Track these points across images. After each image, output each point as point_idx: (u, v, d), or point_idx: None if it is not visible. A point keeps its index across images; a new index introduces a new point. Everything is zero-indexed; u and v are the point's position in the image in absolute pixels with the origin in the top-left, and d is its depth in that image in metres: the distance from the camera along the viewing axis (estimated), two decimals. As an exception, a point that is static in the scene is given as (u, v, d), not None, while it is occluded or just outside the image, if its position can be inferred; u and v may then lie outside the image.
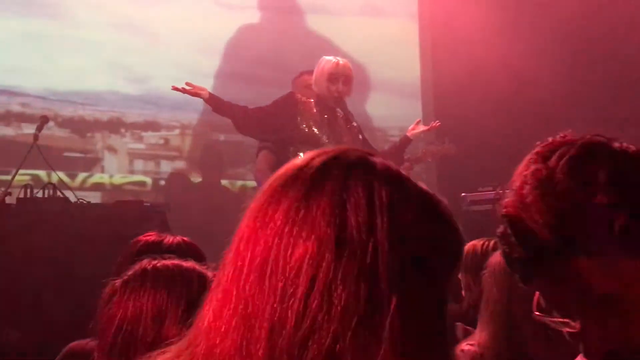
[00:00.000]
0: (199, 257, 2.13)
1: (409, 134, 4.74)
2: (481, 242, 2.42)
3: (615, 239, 1.07)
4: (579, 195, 1.09)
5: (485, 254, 2.21)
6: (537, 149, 1.19)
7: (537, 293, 1.15)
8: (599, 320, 1.09)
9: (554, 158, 1.14)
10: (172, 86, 4.52)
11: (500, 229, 1.17)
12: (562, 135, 1.20)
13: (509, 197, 1.16)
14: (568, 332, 1.11)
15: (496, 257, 1.95)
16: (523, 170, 1.16)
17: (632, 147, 1.15)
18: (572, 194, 1.09)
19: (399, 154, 4.63)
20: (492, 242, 2.30)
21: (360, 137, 4.47)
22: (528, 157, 1.18)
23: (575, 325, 1.10)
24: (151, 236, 2.38)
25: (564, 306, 1.11)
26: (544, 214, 1.10)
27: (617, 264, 1.07)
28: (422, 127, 4.76)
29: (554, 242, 1.09)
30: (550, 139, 1.20)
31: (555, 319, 1.12)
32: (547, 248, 1.10)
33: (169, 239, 2.34)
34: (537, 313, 1.15)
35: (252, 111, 4.53)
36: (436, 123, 4.82)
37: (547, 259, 1.11)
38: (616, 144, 1.15)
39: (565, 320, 1.11)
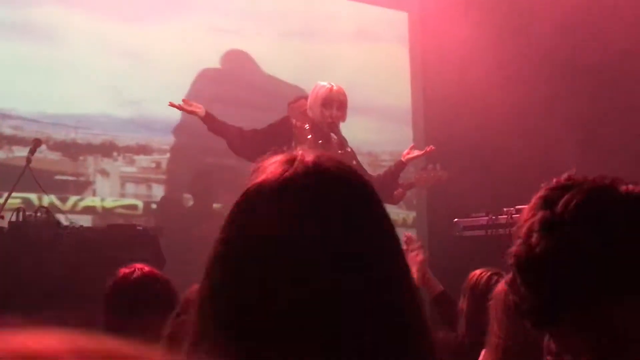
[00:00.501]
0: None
1: (403, 159, 4.77)
2: (487, 274, 2.39)
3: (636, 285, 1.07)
4: (593, 245, 1.08)
5: (488, 285, 2.21)
6: (542, 192, 1.18)
7: (547, 338, 1.15)
8: None
9: (560, 204, 1.13)
10: (169, 102, 4.54)
11: (508, 278, 1.16)
12: (566, 176, 1.19)
13: (515, 246, 1.14)
14: None
15: (501, 287, 1.97)
16: (528, 216, 1.15)
17: (638, 189, 1.14)
18: (585, 243, 1.08)
19: (394, 179, 4.64)
20: (491, 274, 2.30)
21: (354, 162, 4.49)
22: (533, 201, 1.17)
23: None
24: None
25: (579, 350, 1.10)
26: (557, 264, 1.09)
27: None
28: (416, 152, 4.79)
29: (572, 292, 1.08)
30: (554, 181, 1.19)
31: None
32: (563, 298, 1.09)
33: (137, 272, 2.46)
34: (548, 358, 1.15)
35: (247, 133, 4.55)
36: (430, 148, 4.84)
37: (564, 307, 1.10)
38: (622, 187, 1.14)
39: None
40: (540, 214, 1.13)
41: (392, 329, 0.91)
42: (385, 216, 0.99)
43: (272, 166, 0.99)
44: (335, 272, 0.91)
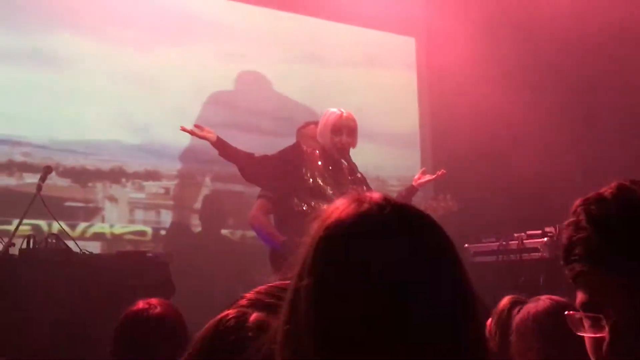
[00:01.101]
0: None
1: (415, 184, 4.78)
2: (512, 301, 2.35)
3: None
4: None
5: (510, 314, 2.18)
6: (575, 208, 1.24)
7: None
8: None
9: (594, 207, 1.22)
10: (181, 127, 4.56)
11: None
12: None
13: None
14: None
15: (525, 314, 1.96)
16: (571, 234, 1.22)
17: None
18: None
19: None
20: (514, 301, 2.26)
21: (365, 188, 4.49)
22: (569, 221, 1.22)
23: None
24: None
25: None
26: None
27: None
28: (427, 177, 4.80)
29: None
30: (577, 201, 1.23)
31: None
32: None
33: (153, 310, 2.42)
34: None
35: (258, 159, 4.56)
36: (442, 172, 4.85)
37: None
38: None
39: None
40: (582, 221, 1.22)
41: None
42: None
43: (342, 205, 1.02)
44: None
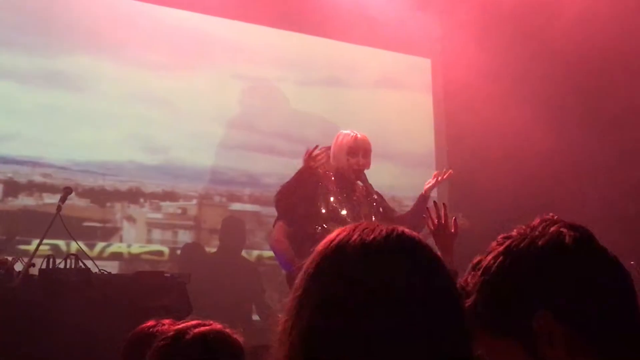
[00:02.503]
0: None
1: (424, 192, 4.75)
2: None
3: None
4: None
5: None
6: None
7: None
8: None
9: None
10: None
11: None
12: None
13: None
14: None
15: None
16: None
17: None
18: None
19: (419, 214, 4.62)
20: None
21: (381, 209, 4.51)
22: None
23: None
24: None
25: None
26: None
27: None
28: (434, 180, 4.75)
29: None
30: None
31: None
32: None
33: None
34: None
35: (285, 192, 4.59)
36: (449, 172, 4.78)
37: None
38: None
39: None
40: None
41: None
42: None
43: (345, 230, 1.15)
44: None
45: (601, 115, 6.08)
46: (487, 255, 1.26)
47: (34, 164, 5.74)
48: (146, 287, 4.28)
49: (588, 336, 1.16)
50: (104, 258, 5.74)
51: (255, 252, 6.37)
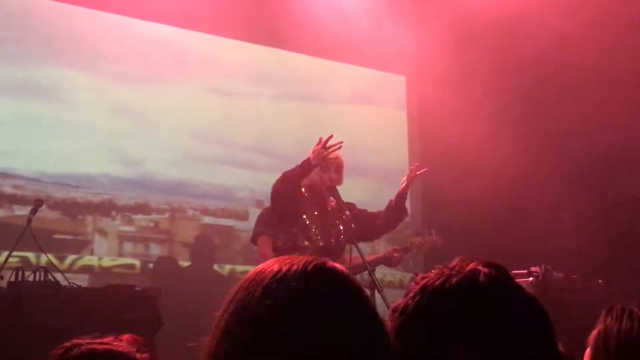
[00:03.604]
0: None
1: (401, 190, 4.75)
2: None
3: None
4: None
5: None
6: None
7: None
8: None
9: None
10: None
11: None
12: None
13: None
14: None
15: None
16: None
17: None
18: None
19: (397, 210, 4.62)
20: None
21: (353, 225, 4.52)
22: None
23: None
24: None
25: None
26: None
27: None
28: (407, 179, 4.75)
29: None
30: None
31: None
32: None
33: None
34: None
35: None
36: (419, 169, 4.77)
37: None
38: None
39: None
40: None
41: None
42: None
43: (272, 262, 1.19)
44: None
45: (575, 129, 6.15)
46: (405, 297, 1.27)
47: (4, 175, 5.69)
48: (116, 300, 4.24)
49: None
50: (74, 271, 5.68)
51: (228, 267, 6.35)
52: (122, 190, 6.12)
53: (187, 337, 5.47)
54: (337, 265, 1.17)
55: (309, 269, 1.13)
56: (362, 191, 6.75)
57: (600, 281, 4.84)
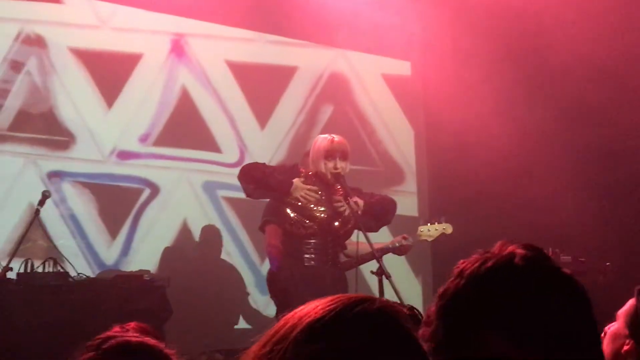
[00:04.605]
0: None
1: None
2: None
3: None
4: None
5: None
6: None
7: None
8: None
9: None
10: None
11: None
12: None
13: None
14: None
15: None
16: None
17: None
18: None
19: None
20: None
21: (359, 212, 4.52)
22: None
23: None
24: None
25: None
26: None
27: None
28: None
29: None
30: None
31: None
32: None
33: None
34: None
35: (260, 164, 4.70)
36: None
37: None
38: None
39: None
40: None
41: None
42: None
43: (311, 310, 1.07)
44: None
45: (579, 118, 6.14)
46: (447, 281, 1.28)
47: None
48: (125, 290, 4.27)
49: (542, 357, 1.17)
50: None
51: (238, 256, 6.34)
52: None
53: (196, 325, 5.50)
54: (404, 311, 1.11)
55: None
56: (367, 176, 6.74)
57: (608, 264, 4.85)
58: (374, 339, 1.03)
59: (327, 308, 1.05)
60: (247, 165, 4.74)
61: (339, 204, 4.55)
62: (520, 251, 1.23)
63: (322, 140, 4.60)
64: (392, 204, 4.86)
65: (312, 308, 1.06)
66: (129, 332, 2.39)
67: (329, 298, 1.07)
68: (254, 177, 4.55)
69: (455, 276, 1.25)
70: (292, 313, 1.08)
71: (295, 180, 4.55)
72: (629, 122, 5.85)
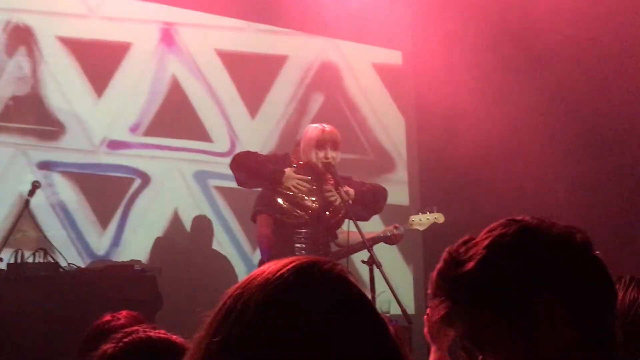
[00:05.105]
0: None
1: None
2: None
3: None
4: None
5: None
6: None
7: None
8: None
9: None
10: None
11: None
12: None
13: None
14: None
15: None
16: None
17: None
18: None
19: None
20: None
21: (350, 202, 4.53)
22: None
23: None
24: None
25: None
26: None
27: None
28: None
29: None
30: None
31: None
32: None
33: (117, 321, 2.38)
34: None
35: (252, 152, 4.70)
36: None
37: None
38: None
39: None
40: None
41: None
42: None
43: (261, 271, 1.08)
44: None
45: (569, 104, 6.14)
46: (491, 231, 1.27)
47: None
48: (116, 280, 4.27)
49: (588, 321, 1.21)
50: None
51: (229, 247, 6.34)
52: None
53: (188, 314, 5.49)
54: (331, 263, 1.09)
55: (290, 267, 1.05)
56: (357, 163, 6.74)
57: (597, 252, 4.86)
58: (326, 301, 1.03)
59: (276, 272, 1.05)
60: (240, 153, 4.74)
61: (330, 193, 4.55)
62: (578, 233, 1.28)
63: (313, 129, 4.61)
64: (383, 193, 4.86)
65: (260, 272, 1.07)
66: (120, 320, 2.40)
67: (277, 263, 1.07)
68: (247, 166, 4.56)
69: (515, 231, 1.26)
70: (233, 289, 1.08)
71: (287, 170, 4.55)
72: (619, 108, 5.86)
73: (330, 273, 1.06)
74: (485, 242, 1.24)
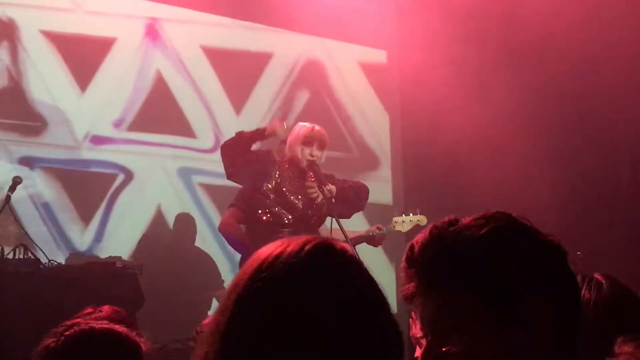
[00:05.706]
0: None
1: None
2: None
3: None
4: None
5: None
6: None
7: None
8: None
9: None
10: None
11: None
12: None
13: None
14: None
15: None
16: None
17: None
18: None
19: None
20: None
21: (333, 201, 4.53)
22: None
23: None
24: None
25: None
26: None
27: None
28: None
29: None
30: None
31: None
32: None
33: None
34: None
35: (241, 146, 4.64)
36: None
37: None
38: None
39: None
40: None
41: None
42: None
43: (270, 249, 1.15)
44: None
45: (554, 99, 6.16)
46: (486, 220, 1.26)
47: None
48: (97, 277, 4.24)
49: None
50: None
51: (213, 243, 6.32)
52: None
53: (169, 312, 5.48)
54: (342, 244, 1.14)
55: (306, 247, 1.11)
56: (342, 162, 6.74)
57: (579, 253, 4.89)
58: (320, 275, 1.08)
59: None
60: (230, 146, 4.63)
61: (312, 190, 4.56)
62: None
63: (303, 127, 4.66)
64: (365, 190, 4.87)
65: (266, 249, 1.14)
66: (101, 313, 2.37)
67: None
68: (235, 163, 4.56)
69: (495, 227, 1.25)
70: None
71: (272, 171, 4.58)
72: (603, 105, 5.88)
73: (345, 252, 1.13)
74: (482, 231, 1.23)
